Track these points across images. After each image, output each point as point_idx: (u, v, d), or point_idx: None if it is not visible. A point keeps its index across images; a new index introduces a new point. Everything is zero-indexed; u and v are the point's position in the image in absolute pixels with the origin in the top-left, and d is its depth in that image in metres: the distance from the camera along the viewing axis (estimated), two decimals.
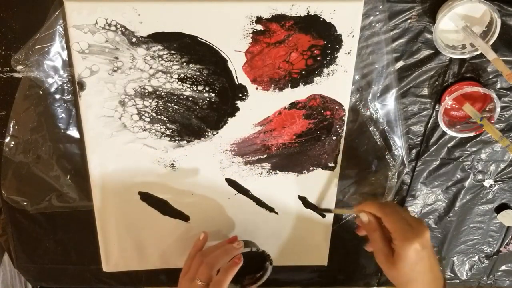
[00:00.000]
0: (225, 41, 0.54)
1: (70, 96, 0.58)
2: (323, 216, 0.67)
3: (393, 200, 0.69)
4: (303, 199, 0.66)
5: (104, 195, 0.63)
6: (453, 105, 0.62)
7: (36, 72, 0.55)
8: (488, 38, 0.55)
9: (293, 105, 0.59)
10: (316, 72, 0.57)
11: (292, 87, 0.58)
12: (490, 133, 0.59)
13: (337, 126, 0.61)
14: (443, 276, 0.54)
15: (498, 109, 0.59)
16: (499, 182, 0.69)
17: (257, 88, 0.57)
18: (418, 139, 0.65)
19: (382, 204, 0.55)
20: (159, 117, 0.58)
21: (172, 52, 0.54)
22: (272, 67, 0.56)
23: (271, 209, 0.66)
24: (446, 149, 0.66)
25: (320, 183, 0.65)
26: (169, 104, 0.57)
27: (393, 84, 0.60)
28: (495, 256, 0.77)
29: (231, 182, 0.64)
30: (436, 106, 0.62)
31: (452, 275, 0.78)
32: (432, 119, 0.63)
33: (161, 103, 0.57)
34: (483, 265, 0.77)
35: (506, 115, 0.63)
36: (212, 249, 0.60)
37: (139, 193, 0.63)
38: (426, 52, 0.59)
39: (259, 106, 0.58)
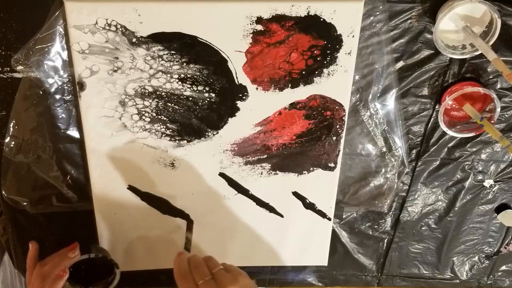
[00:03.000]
0: (225, 41, 0.54)
1: (70, 96, 0.58)
2: None
3: (393, 200, 0.69)
4: (302, 200, 0.66)
5: (104, 195, 0.62)
6: (453, 105, 0.62)
7: (36, 72, 0.55)
8: (488, 38, 0.55)
9: (293, 105, 0.59)
10: (316, 72, 0.57)
11: (292, 87, 0.58)
12: (490, 133, 0.59)
13: (337, 126, 0.61)
14: None
15: (498, 109, 0.59)
16: (499, 182, 0.69)
17: (257, 88, 0.57)
18: (418, 139, 0.65)
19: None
20: (159, 117, 0.58)
21: (172, 52, 0.54)
22: (272, 67, 0.56)
23: (271, 209, 0.66)
24: (446, 149, 0.66)
25: (320, 184, 0.65)
26: (169, 104, 0.57)
27: (393, 84, 0.60)
28: (495, 256, 0.77)
29: (231, 182, 0.64)
30: (436, 106, 0.62)
31: (452, 275, 0.78)
32: (432, 119, 0.63)
33: (161, 103, 0.57)
34: (483, 265, 0.77)
35: (506, 115, 0.63)
36: (50, 259, 0.60)
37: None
38: (426, 52, 0.59)
39: (259, 106, 0.58)
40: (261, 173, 0.63)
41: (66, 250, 0.60)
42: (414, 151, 0.66)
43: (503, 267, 0.78)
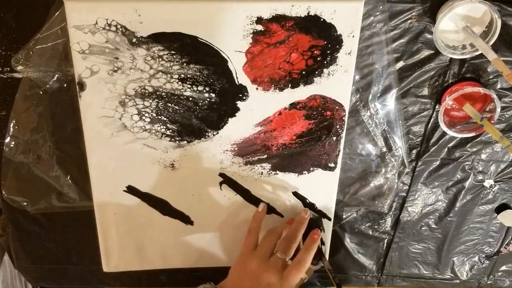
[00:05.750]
0: (225, 42, 0.54)
1: (70, 96, 0.58)
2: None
3: (393, 200, 0.69)
4: (302, 200, 0.66)
5: (104, 195, 0.62)
6: (454, 106, 0.62)
7: (36, 73, 0.55)
8: (489, 39, 0.55)
9: (293, 106, 0.59)
10: (317, 72, 0.57)
11: (292, 87, 0.58)
12: (491, 134, 0.59)
13: (338, 127, 0.61)
14: None
15: (499, 110, 0.59)
16: (499, 183, 0.69)
17: (257, 89, 0.57)
18: (418, 140, 0.65)
19: None
20: (159, 117, 0.58)
21: (173, 52, 0.54)
22: (272, 67, 0.56)
23: (271, 209, 0.66)
24: (446, 149, 0.66)
25: (320, 184, 0.65)
26: (169, 105, 0.57)
27: (393, 85, 0.60)
28: (495, 257, 0.77)
29: (231, 182, 0.64)
30: (436, 107, 0.62)
31: (452, 275, 0.78)
32: (432, 119, 0.63)
33: (161, 103, 0.57)
34: (483, 265, 0.77)
35: (506, 116, 0.63)
36: (280, 227, 0.60)
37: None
38: (426, 53, 0.59)
39: (260, 106, 0.58)
40: (261, 173, 0.63)
41: (287, 223, 0.61)
42: (414, 151, 0.66)
43: (503, 267, 0.78)
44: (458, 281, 0.79)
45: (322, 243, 0.63)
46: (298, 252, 0.57)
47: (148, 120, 0.58)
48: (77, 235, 0.69)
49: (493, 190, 0.70)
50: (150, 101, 0.57)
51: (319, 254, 0.63)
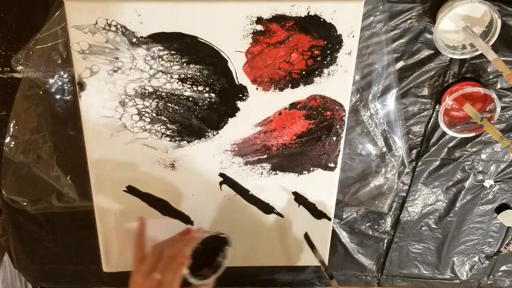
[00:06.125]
0: (225, 42, 0.54)
1: (70, 96, 0.58)
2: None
3: (393, 200, 0.69)
4: (302, 200, 0.66)
5: (104, 195, 0.62)
6: (454, 106, 0.62)
7: (36, 73, 0.55)
8: (489, 39, 0.55)
9: (293, 106, 0.59)
10: (317, 72, 0.57)
11: (292, 87, 0.58)
12: (491, 134, 0.59)
13: (338, 127, 0.61)
14: None
15: (498, 110, 0.59)
16: (499, 183, 0.69)
17: (257, 89, 0.57)
18: (419, 140, 0.65)
19: None
20: (160, 117, 0.58)
21: (173, 52, 0.54)
22: (272, 67, 0.56)
23: (271, 209, 0.66)
24: (446, 149, 0.66)
25: (320, 184, 0.65)
26: (169, 105, 0.57)
27: (393, 85, 0.60)
28: (495, 257, 0.77)
29: (231, 182, 0.64)
30: (436, 107, 0.62)
31: (452, 275, 0.78)
32: (432, 119, 0.63)
33: (161, 103, 0.57)
34: (483, 265, 0.77)
35: (506, 116, 0.63)
36: (169, 241, 0.58)
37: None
38: (426, 53, 0.59)
39: (259, 106, 0.58)
40: (261, 173, 0.63)
41: (180, 233, 0.59)
42: (414, 151, 0.66)
43: (503, 267, 0.78)
44: (458, 281, 0.79)
45: (225, 257, 0.60)
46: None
47: (148, 120, 0.58)
48: (77, 235, 0.69)
49: (493, 190, 0.70)
50: (150, 101, 0.57)
51: (311, 246, 0.64)
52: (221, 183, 0.64)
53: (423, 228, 0.73)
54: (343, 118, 0.60)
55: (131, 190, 0.63)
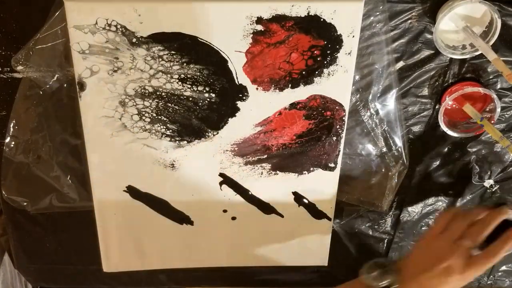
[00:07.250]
0: (225, 42, 0.54)
1: (70, 96, 0.58)
2: None
3: (393, 200, 0.69)
4: (303, 200, 0.66)
5: (104, 195, 0.63)
6: (454, 106, 0.62)
7: (36, 73, 0.55)
8: (489, 39, 0.55)
9: (293, 106, 0.59)
10: (317, 72, 0.57)
11: (292, 87, 0.58)
12: (491, 134, 0.59)
13: (338, 127, 0.61)
14: None
15: (499, 110, 0.59)
16: (499, 183, 0.69)
17: (257, 89, 0.57)
18: (419, 140, 0.65)
19: None
20: (160, 117, 0.58)
21: (173, 52, 0.54)
22: (272, 67, 0.56)
23: (271, 210, 0.66)
24: (446, 149, 0.66)
25: (320, 184, 0.65)
26: (170, 105, 0.57)
27: (393, 85, 0.60)
28: None
29: (231, 182, 0.64)
30: (436, 107, 0.62)
31: None
32: (432, 119, 0.63)
33: (161, 103, 0.57)
34: None
35: (506, 116, 0.63)
36: (473, 212, 0.54)
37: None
38: (426, 53, 0.59)
39: (260, 106, 0.58)
40: (261, 173, 0.63)
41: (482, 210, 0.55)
42: (414, 151, 0.66)
43: (503, 267, 0.78)
44: None
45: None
46: (493, 243, 0.51)
47: (148, 120, 0.58)
48: (77, 235, 0.69)
49: (493, 190, 0.70)
50: (150, 101, 0.57)
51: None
52: (221, 183, 0.64)
53: (423, 228, 0.73)
54: (343, 118, 0.60)
55: (131, 190, 0.63)
